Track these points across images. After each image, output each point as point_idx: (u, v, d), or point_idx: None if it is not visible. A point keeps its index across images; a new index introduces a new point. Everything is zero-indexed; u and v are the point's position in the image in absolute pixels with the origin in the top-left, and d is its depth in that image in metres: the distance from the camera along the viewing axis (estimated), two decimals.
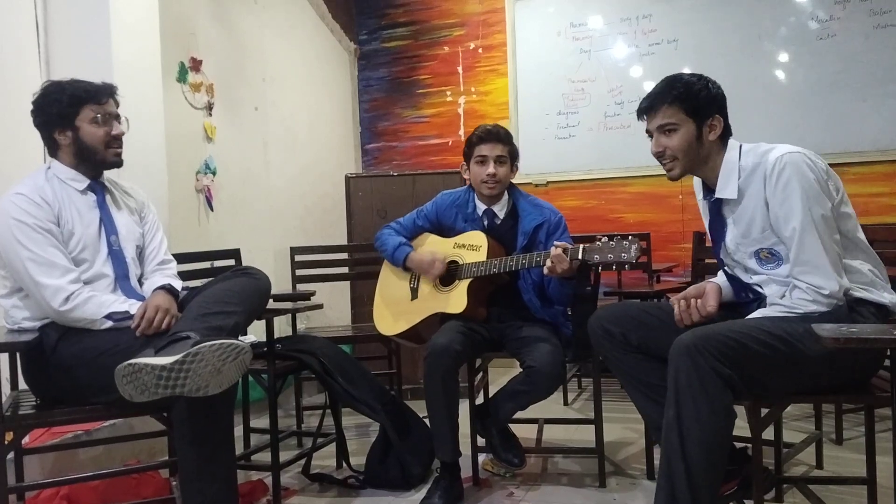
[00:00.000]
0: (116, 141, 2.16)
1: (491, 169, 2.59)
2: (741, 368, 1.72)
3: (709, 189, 2.06)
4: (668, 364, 1.78)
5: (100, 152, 2.14)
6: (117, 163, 2.19)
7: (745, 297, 2.08)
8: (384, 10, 5.26)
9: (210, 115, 3.69)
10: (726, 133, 2.01)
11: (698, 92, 1.98)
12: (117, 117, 2.18)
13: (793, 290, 1.87)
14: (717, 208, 2.04)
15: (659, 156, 2.03)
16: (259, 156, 4.13)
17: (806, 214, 1.81)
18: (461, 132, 4.98)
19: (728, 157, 1.98)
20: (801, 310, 1.83)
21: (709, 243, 3.02)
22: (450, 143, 5.05)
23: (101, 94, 2.14)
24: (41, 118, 2.13)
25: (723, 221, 2.04)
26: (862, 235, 1.93)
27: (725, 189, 1.97)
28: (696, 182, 2.16)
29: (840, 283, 1.81)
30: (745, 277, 2.04)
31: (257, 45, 4.14)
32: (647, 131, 2.06)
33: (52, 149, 2.16)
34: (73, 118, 2.11)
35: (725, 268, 2.13)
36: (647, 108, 2.03)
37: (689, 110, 1.97)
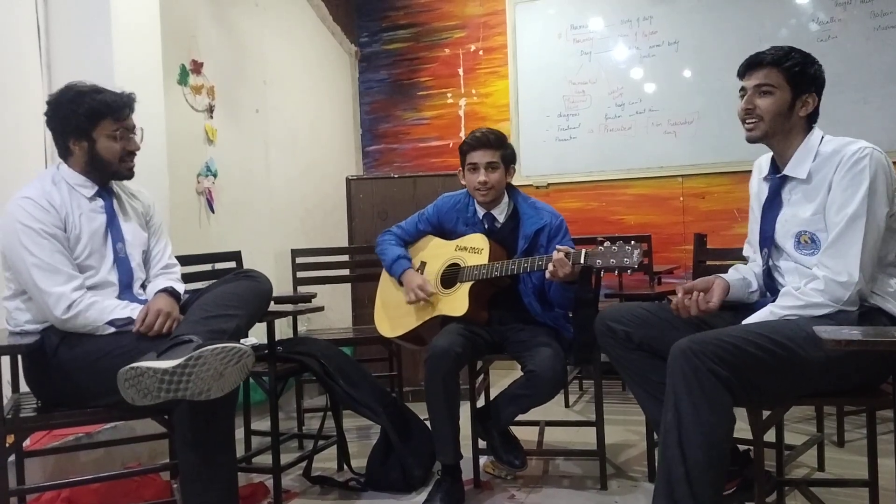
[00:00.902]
0: (131, 156, 2.16)
1: (482, 177, 2.58)
2: (739, 372, 1.72)
3: (774, 168, 2.07)
4: (667, 368, 1.77)
5: (113, 165, 2.13)
6: (129, 176, 2.19)
7: (754, 296, 2.09)
8: (385, 13, 5.27)
9: (211, 117, 3.70)
10: (814, 117, 2.02)
11: (803, 65, 1.99)
12: (134, 130, 2.17)
13: (810, 282, 1.87)
14: (778, 187, 2.04)
15: (746, 113, 2.01)
16: (260, 158, 4.14)
17: (863, 206, 1.82)
18: (462, 134, 4.98)
19: (809, 140, 1.98)
20: (811, 300, 1.83)
21: (713, 242, 3.06)
22: (450, 146, 5.05)
23: (122, 109, 2.12)
24: (56, 124, 2.11)
25: (779, 201, 2.03)
26: None
27: (797, 168, 1.97)
28: (761, 162, 2.15)
29: (860, 279, 1.81)
30: (776, 260, 2.04)
31: (258, 47, 4.15)
32: (742, 89, 2.04)
33: (64, 154, 2.14)
34: (91, 131, 2.09)
35: (750, 262, 2.12)
36: (751, 64, 2.01)
37: (790, 79, 1.97)
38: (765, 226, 2.07)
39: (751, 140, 2.04)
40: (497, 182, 2.60)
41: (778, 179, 2.03)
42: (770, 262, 2.06)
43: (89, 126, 2.08)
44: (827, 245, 1.86)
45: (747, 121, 2.01)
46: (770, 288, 2.07)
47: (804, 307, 1.84)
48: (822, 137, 1.98)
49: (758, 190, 2.15)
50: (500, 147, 2.61)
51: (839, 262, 1.82)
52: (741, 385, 1.73)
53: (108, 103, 2.10)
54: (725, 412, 1.72)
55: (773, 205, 2.05)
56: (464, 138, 2.71)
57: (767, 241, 2.06)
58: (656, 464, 1.86)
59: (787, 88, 1.97)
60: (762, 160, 2.16)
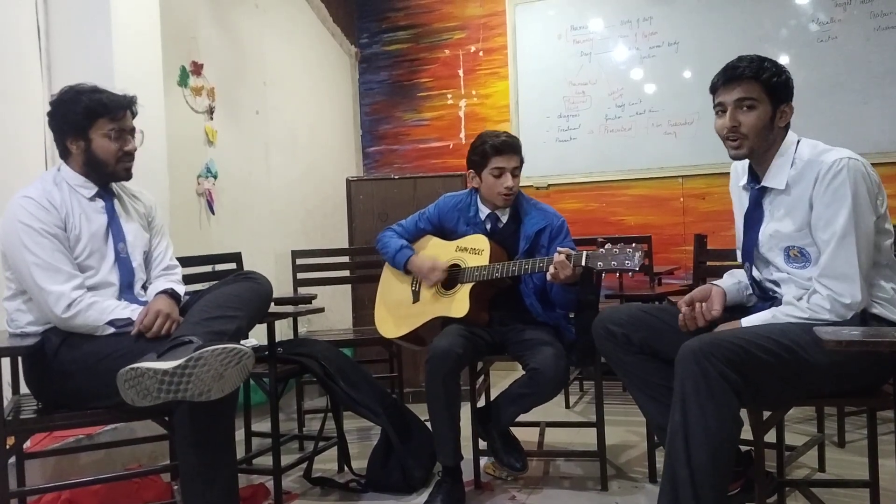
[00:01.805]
0: (128, 156, 2.16)
1: (510, 182, 2.57)
2: (746, 375, 1.71)
3: (754, 177, 2.03)
4: (674, 369, 1.76)
5: (110, 166, 2.14)
6: (126, 177, 2.20)
7: (752, 299, 2.09)
8: (385, 14, 5.27)
9: (211, 118, 3.70)
10: (789, 124, 1.99)
11: (779, 75, 1.93)
12: (132, 132, 2.17)
13: (812, 295, 1.85)
14: (758, 198, 2.01)
15: (731, 130, 1.94)
16: (260, 159, 4.14)
17: (849, 222, 1.79)
18: (462, 135, 4.99)
19: (784, 148, 1.95)
20: (816, 315, 1.82)
21: (713, 243, 3.06)
22: (451, 147, 5.06)
23: (118, 109, 2.13)
24: (56, 123, 2.13)
25: (760, 212, 2.00)
26: (891, 256, 1.92)
27: (774, 179, 1.94)
28: (738, 168, 2.13)
29: (863, 297, 1.80)
30: (766, 273, 2.02)
31: (258, 48, 4.15)
32: (719, 104, 1.97)
33: (63, 154, 2.16)
34: (87, 130, 2.10)
35: (743, 265, 2.12)
36: (730, 78, 1.94)
37: (769, 91, 1.92)
38: (747, 237, 2.05)
39: (736, 158, 2.00)
40: (518, 187, 2.62)
41: (757, 190, 2.01)
42: (757, 275, 2.04)
43: (86, 124, 2.09)
44: (823, 265, 1.83)
45: (731, 138, 1.95)
46: (763, 297, 2.06)
47: (809, 320, 1.82)
48: (799, 142, 1.95)
49: (738, 197, 2.13)
50: (520, 151, 2.63)
51: (840, 283, 1.80)
52: (748, 388, 1.72)
53: (105, 103, 2.11)
54: (732, 415, 1.71)
55: (754, 216, 2.02)
56: (465, 139, 2.71)
57: (749, 254, 2.03)
58: (662, 465, 1.85)
59: (767, 101, 1.92)
60: (738, 165, 2.13)
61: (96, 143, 2.11)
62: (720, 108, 1.97)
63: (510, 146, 2.59)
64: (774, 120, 1.93)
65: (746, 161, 2.05)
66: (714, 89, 2.00)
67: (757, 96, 1.91)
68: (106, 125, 2.11)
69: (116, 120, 2.12)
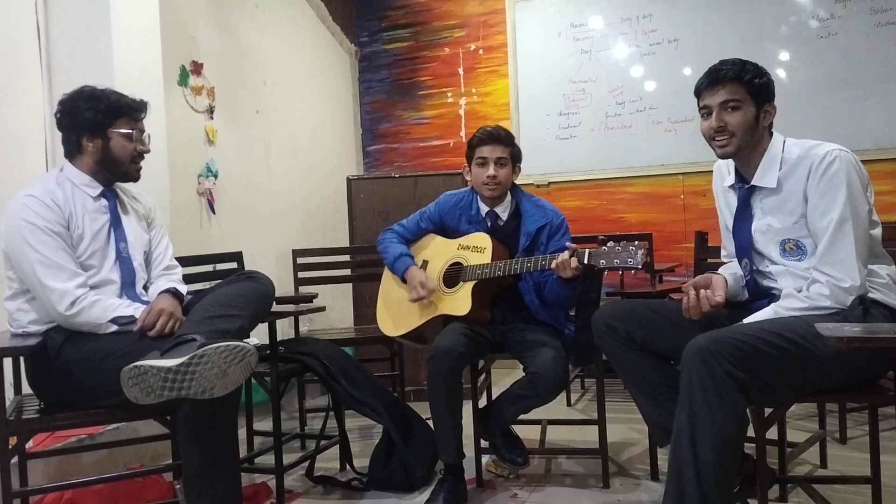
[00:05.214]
0: (140, 157, 2.20)
1: (491, 171, 2.58)
2: (754, 372, 1.71)
3: (740, 177, 2.06)
4: (680, 368, 1.76)
5: (124, 165, 2.16)
6: (136, 178, 2.23)
7: (748, 292, 2.09)
8: (384, 13, 5.27)
9: (211, 118, 3.70)
10: (772, 124, 2.02)
11: (760, 76, 1.98)
12: (143, 133, 2.21)
13: (812, 284, 1.87)
14: (747, 196, 2.04)
15: (718, 131, 1.99)
16: (261, 159, 4.14)
17: (846, 209, 1.82)
18: (462, 133, 4.99)
19: (771, 148, 1.99)
20: (816, 303, 1.83)
21: (714, 240, 3.06)
22: (451, 145, 5.06)
23: (138, 111, 2.19)
24: (71, 120, 2.13)
25: (750, 212, 2.03)
26: (880, 245, 1.95)
27: (764, 178, 1.97)
28: (723, 168, 2.16)
29: (861, 281, 1.82)
30: (762, 266, 2.03)
31: (258, 48, 4.15)
32: (705, 107, 2.03)
33: (73, 153, 2.16)
34: (107, 128, 2.12)
35: (736, 260, 2.12)
36: (713, 82, 2.00)
37: (751, 92, 1.97)
38: (739, 236, 2.07)
39: (724, 156, 2.04)
40: (505, 178, 2.60)
41: (746, 190, 2.03)
42: (754, 269, 2.05)
43: (107, 123, 2.12)
44: (821, 252, 1.86)
45: (717, 138, 2.00)
46: (757, 293, 2.06)
47: (809, 309, 1.84)
48: (785, 142, 1.99)
49: (724, 197, 2.15)
50: (509, 143, 2.62)
51: (839, 268, 1.82)
52: (756, 385, 1.71)
53: (129, 103, 2.16)
54: (739, 414, 1.70)
55: (744, 215, 2.05)
56: (465, 137, 2.71)
57: (745, 251, 2.05)
58: (666, 464, 1.85)
59: (750, 101, 1.97)
60: (721, 165, 2.16)
61: (115, 142, 2.13)
62: (706, 111, 2.03)
63: (493, 136, 2.60)
64: (759, 120, 1.98)
65: (731, 161, 2.08)
66: (698, 92, 2.06)
67: (741, 97, 1.97)
68: (126, 125, 2.14)
69: (136, 121, 2.17)
